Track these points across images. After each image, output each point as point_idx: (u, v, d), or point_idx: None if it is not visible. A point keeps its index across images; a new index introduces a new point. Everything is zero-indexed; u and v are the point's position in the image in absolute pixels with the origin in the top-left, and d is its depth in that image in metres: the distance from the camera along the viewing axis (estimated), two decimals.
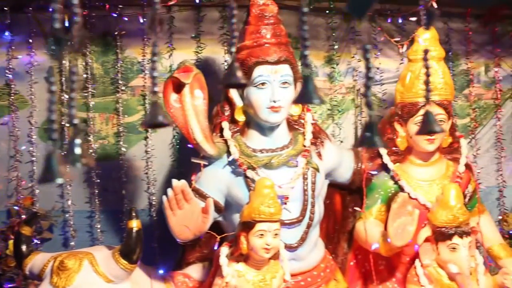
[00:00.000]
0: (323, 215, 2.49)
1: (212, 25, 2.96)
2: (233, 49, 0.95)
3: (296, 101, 2.16)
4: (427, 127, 0.74)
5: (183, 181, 2.05)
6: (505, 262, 2.36)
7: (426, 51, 0.83)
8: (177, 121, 2.14)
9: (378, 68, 3.15)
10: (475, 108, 3.35)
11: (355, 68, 3.15)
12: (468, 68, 3.34)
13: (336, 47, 3.10)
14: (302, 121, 2.35)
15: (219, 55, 2.95)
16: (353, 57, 3.14)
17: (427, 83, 0.84)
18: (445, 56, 3.21)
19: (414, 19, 2.75)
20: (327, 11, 3.07)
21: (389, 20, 3.11)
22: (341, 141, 3.07)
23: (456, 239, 2.11)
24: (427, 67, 0.84)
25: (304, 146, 2.27)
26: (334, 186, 2.57)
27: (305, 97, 0.72)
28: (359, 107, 3.16)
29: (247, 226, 1.94)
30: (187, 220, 2.06)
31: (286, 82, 2.18)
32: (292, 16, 3.05)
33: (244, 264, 2.01)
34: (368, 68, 0.74)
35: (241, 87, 1.83)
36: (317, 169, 2.27)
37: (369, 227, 2.34)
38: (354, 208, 2.51)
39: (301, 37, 0.70)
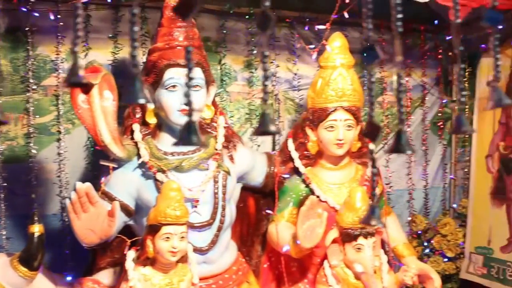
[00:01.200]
0: (237, 218, 2.51)
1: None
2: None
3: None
4: (262, 128, 0.76)
5: (87, 184, 2.00)
6: (407, 260, 2.48)
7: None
8: (85, 123, 2.08)
9: (295, 74, 3.23)
10: (388, 115, 3.52)
11: (273, 74, 3.21)
12: (382, 76, 3.50)
13: (255, 52, 3.15)
14: (215, 124, 2.35)
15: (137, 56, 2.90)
16: (272, 62, 3.20)
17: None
18: (355, 64, 3.38)
19: (322, 27, 2.84)
20: (247, 16, 3.11)
21: (306, 28, 3.20)
22: (259, 146, 3.12)
23: (361, 240, 2.20)
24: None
25: (216, 149, 2.28)
26: (247, 190, 2.60)
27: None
28: (277, 112, 3.22)
29: (153, 229, 1.92)
30: (92, 223, 2.01)
31: (197, 85, 2.18)
32: (212, 20, 3.08)
33: (151, 268, 1.98)
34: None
35: None
36: (228, 173, 2.29)
37: (280, 230, 2.38)
38: (267, 211, 2.55)
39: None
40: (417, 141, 3.61)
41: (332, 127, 2.37)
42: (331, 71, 2.39)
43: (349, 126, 2.38)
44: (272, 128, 0.77)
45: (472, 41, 3.49)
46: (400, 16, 0.75)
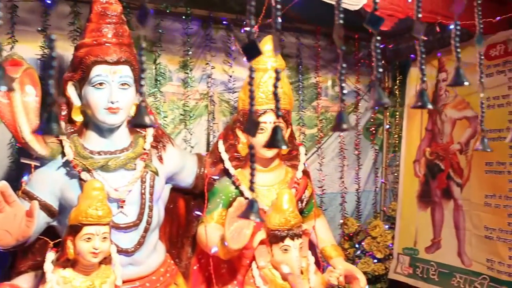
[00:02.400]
0: (167, 219, 2.48)
1: (62, 20, 2.82)
2: None
3: None
4: (274, 142, 0.77)
5: (3, 182, 1.91)
6: (335, 261, 2.53)
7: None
8: (4, 118, 1.99)
9: (231, 76, 3.24)
10: (322, 119, 3.59)
11: (209, 75, 3.20)
12: (317, 81, 3.57)
13: (190, 53, 3.13)
14: None
15: (68, 52, 2.82)
16: (208, 64, 3.19)
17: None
18: (291, 68, 3.43)
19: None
20: (184, 17, 3.09)
21: (242, 30, 3.21)
22: (192, 147, 3.10)
23: (287, 241, 2.22)
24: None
25: (144, 149, 2.24)
26: (178, 191, 2.57)
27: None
28: (212, 114, 3.21)
29: (74, 229, 1.86)
30: (8, 224, 1.91)
31: (125, 84, 2.13)
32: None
33: (71, 269, 1.92)
34: None
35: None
36: (156, 173, 2.25)
37: (209, 231, 2.37)
38: (196, 212, 2.53)
39: None
40: (350, 146, 3.70)
41: (262, 129, 2.38)
42: (262, 73, 2.41)
43: None
44: (147, 120, 0.77)
45: (403, 51, 3.64)
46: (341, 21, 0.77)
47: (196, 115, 3.18)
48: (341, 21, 0.82)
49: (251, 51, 0.73)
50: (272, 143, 0.75)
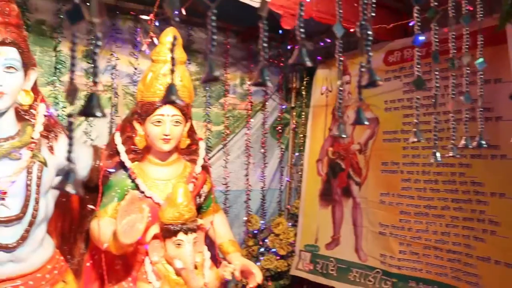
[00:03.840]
0: (59, 214, 2.36)
1: None
2: None
3: None
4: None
5: None
6: (231, 256, 2.53)
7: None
8: None
9: (136, 69, 3.16)
10: (229, 117, 3.60)
11: (113, 67, 3.10)
12: (225, 79, 3.58)
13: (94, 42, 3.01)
14: (34, 111, 2.19)
15: None
16: (112, 54, 3.09)
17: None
18: (195, 63, 3.41)
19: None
20: (88, 3, 2.96)
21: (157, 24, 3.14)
22: (93, 140, 2.99)
23: (181, 236, 2.19)
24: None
25: (32, 138, 2.11)
26: None
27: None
28: (115, 106, 3.12)
29: None
30: None
31: (11, 67, 2.00)
32: (48, 2, 2.88)
33: None
34: None
35: None
36: (44, 163, 2.13)
37: (103, 226, 2.28)
38: (89, 206, 2.44)
39: None
40: (257, 144, 3.74)
41: (159, 121, 2.34)
42: (161, 65, 2.36)
43: (176, 121, 2.37)
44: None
45: (310, 53, 3.73)
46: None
47: None
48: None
49: (74, 15, 0.69)
50: (86, 111, 0.71)
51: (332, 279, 3.38)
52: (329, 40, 3.42)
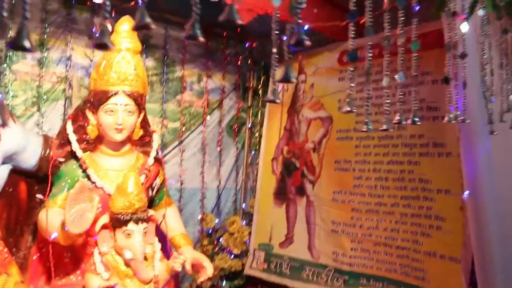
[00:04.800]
0: (5, 204, 2.30)
1: None
2: None
3: None
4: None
5: None
6: (183, 249, 2.51)
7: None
8: None
9: (91, 60, 3.11)
10: (185, 114, 3.59)
11: (68, 58, 3.05)
12: (182, 75, 3.57)
13: (48, 31, 2.95)
14: None
15: None
16: (67, 45, 3.04)
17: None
18: (152, 58, 3.39)
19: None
20: None
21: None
22: (44, 131, 2.92)
23: (131, 225, 2.16)
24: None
25: None
26: (20, 173, 2.39)
27: None
28: (69, 99, 3.06)
29: None
30: None
31: None
32: None
33: None
34: None
35: None
36: None
37: (51, 216, 2.22)
38: (37, 196, 2.38)
39: None
40: (213, 143, 3.74)
41: (112, 111, 2.31)
42: (115, 54, 2.34)
43: (129, 111, 2.35)
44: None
45: (268, 51, 3.77)
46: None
47: (51, 98, 3.00)
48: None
49: None
50: (15, 43, 0.70)
51: (285, 277, 3.40)
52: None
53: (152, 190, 2.56)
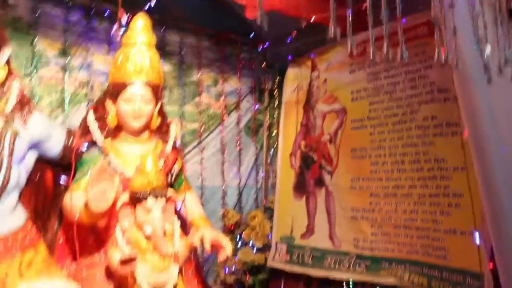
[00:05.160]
0: (32, 190, 2.42)
1: None
2: None
3: None
4: None
5: None
6: (202, 229, 2.58)
7: None
8: None
9: None
10: (204, 116, 3.71)
11: (89, 64, 3.23)
12: (199, 79, 3.72)
13: (71, 40, 3.16)
14: (6, 88, 2.28)
15: None
16: (87, 52, 3.23)
17: None
18: (169, 63, 3.55)
19: None
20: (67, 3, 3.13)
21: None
22: None
23: (150, 201, 2.26)
24: None
25: (5, 110, 2.21)
26: (46, 162, 2.53)
27: None
28: (91, 101, 3.23)
29: None
30: None
31: None
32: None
33: None
34: None
35: None
36: (16, 133, 2.22)
37: (75, 198, 2.34)
38: (62, 181, 2.50)
39: None
40: (232, 143, 3.85)
41: (129, 100, 2.45)
42: (131, 48, 2.49)
43: (146, 100, 2.48)
44: None
45: (282, 53, 3.91)
46: None
47: (75, 101, 3.18)
48: None
49: None
50: None
51: (308, 267, 3.43)
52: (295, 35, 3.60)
53: (171, 177, 2.65)
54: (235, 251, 3.58)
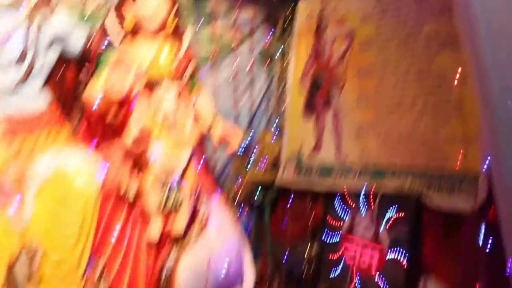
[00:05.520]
0: (55, 85, 2.65)
1: None
2: None
3: None
4: None
5: None
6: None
7: None
8: None
9: None
10: (218, 43, 3.84)
11: None
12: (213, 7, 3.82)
13: None
14: None
15: None
16: None
17: None
18: None
19: None
20: None
21: None
22: None
23: (165, 85, 2.49)
24: None
25: None
26: (67, 60, 2.74)
27: None
28: None
29: None
30: None
31: None
32: None
33: None
34: None
35: None
36: (40, 25, 2.44)
37: (93, 89, 2.57)
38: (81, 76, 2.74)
39: None
40: (244, 71, 3.96)
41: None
42: None
43: (160, 3, 2.69)
44: None
45: None
46: None
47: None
48: None
49: None
50: None
51: (315, 182, 3.58)
52: None
53: (185, 77, 2.82)
54: (244, 171, 3.74)
